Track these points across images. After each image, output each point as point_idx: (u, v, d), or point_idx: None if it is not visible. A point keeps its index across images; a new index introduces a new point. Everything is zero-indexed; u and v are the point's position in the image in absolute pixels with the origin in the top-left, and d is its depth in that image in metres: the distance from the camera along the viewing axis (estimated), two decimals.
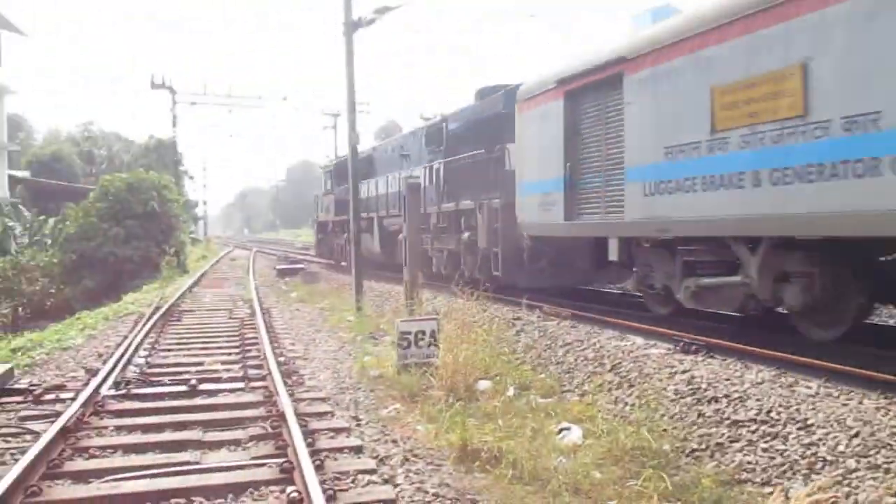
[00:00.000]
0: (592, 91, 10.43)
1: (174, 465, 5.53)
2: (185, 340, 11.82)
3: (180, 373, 9.06)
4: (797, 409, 5.94)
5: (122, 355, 9.66)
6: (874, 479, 4.80)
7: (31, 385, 8.34)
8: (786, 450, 5.50)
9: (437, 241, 16.60)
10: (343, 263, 24.52)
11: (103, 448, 6.01)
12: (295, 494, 4.79)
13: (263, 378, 8.54)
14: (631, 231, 9.77)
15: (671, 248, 9.44)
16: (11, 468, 5.09)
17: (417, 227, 13.04)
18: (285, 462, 5.41)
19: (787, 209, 7.14)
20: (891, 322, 10.39)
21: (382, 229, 21.03)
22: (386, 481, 5.26)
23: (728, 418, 6.22)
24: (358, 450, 5.97)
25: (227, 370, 9.24)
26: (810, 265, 7.69)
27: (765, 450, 5.62)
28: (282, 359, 9.76)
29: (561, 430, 6.68)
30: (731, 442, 5.91)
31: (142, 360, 9.87)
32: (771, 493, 4.99)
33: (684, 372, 7.39)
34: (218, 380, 8.65)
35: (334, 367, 9.79)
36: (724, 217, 7.95)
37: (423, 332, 9.03)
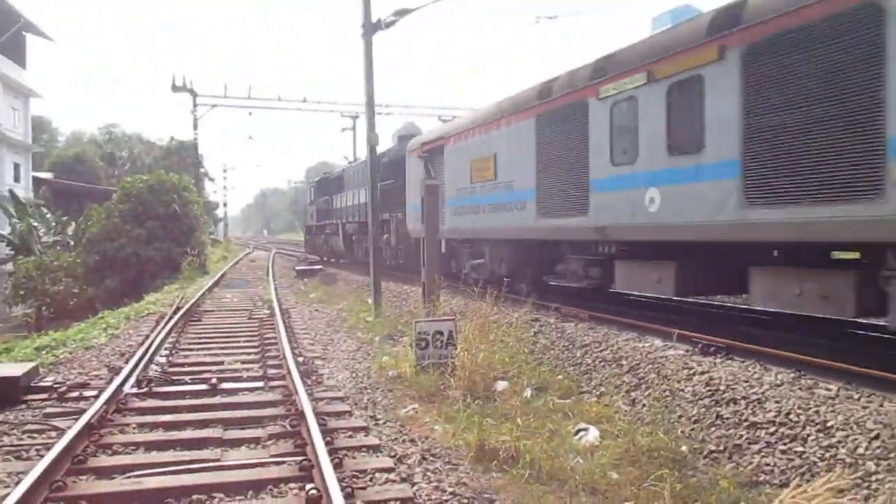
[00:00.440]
0: (433, 152, 17.27)
1: (195, 462, 5.62)
2: (205, 340, 11.95)
3: (201, 372, 9.18)
4: (816, 412, 5.91)
5: (144, 354, 9.79)
6: (893, 481, 4.77)
7: (56, 383, 8.49)
8: (805, 452, 5.48)
9: (377, 240, 21.72)
10: (324, 258, 32.94)
11: (126, 445, 6.12)
12: (314, 492, 4.84)
13: (283, 377, 8.62)
14: (448, 235, 16.37)
15: (463, 245, 16.47)
16: (37, 464, 5.20)
17: (436, 228, 13.08)
18: (304, 460, 5.48)
19: (495, 225, 14.07)
20: None
21: (345, 232, 28.31)
22: (404, 480, 5.31)
23: (746, 420, 6.21)
24: (376, 448, 6.02)
25: (247, 369, 9.34)
26: (509, 253, 14.37)
27: (783, 452, 5.60)
28: (301, 358, 9.85)
29: (578, 431, 6.69)
30: (750, 444, 5.90)
31: (163, 359, 10.00)
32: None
33: (703, 373, 7.37)
34: (238, 379, 8.76)
35: (353, 367, 9.86)
36: (476, 228, 15.00)
37: (441, 333, 9.07)
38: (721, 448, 6.01)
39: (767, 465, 5.52)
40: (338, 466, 5.30)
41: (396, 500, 4.87)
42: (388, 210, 21.67)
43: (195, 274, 27.52)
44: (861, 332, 9.21)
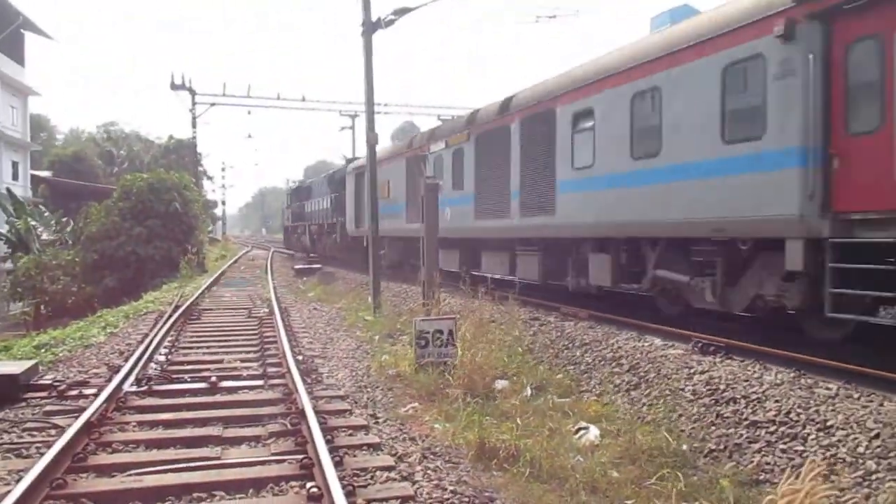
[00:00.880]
0: (360, 174, 22.22)
1: (195, 460, 5.61)
2: (204, 338, 11.95)
3: (200, 370, 9.18)
4: (817, 411, 5.92)
5: (144, 353, 9.79)
6: (894, 480, 4.78)
7: (55, 381, 8.48)
8: (805, 451, 5.48)
9: (326, 237, 32.01)
10: (296, 252, 38.43)
11: (126, 443, 6.12)
12: (315, 490, 4.84)
13: (282, 376, 8.61)
14: (369, 233, 18.63)
15: (390, 240, 21.51)
16: (38, 461, 5.20)
17: (436, 227, 13.09)
18: (305, 458, 5.47)
19: (390, 227, 19.51)
20: None
21: (310, 231, 36.65)
22: (404, 478, 5.31)
23: (746, 419, 6.22)
24: (376, 447, 6.02)
25: (247, 368, 9.34)
26: (396, 245, 21.38)
27: (784, 451, 5.61)
28: (300, 357, 9.85)
29: (578, 430, 6.70)
30: (750, 443, 5.91)
31: (162, 358, 9.99)
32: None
33: (703, 373, 7.38)
34: (238, 377, 8.75)
35: (352, 366, 9.86)
36: (382, 229, 17.27)
37: (441, 332, 9.07)
38: (721, 447, 6.02)
39: (768, 464, 5.53)
40: (338, 465, 5.29)
41: (397, 498, 4.87)
42: (339, 215, 28.88)
43: (194, 272, 27.50)
44: (861, 332, 9.22)
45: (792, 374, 6.87)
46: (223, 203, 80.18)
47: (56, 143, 70.72)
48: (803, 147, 7.39)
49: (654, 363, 8.08)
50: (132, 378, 8.41)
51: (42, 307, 28.08)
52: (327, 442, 5.71)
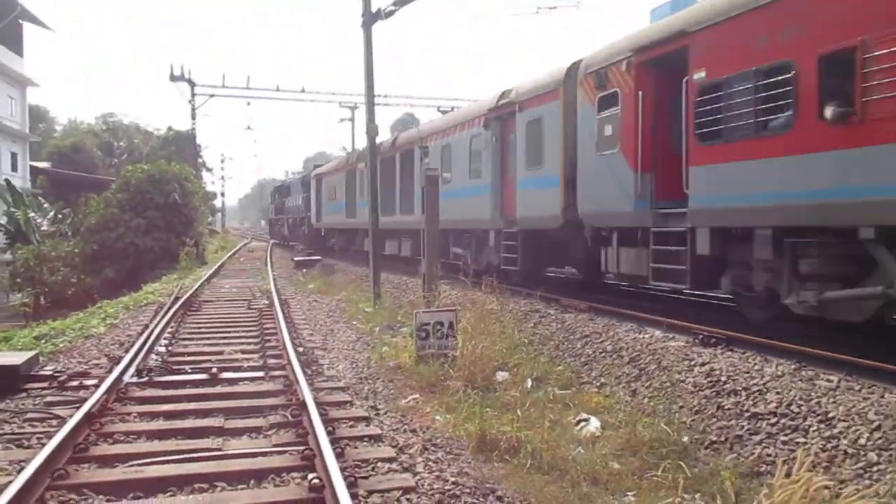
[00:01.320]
0: (321, 179, 31.73)
1: (196, 451, 5.61)
2: (204, 330, 11.94)
3: (201, 361, 9.17)
4: (818, 403, 5.93)
5: (144, 344, 9.78)
6: (895, 472, 4.78)
7: (56, 372, 8.48)
8: (806, 443, 5.48)
9: (298, 228, 39.09)
10: (279, 241, 47.60)
11: (127, 434, 6.12)
12: (316, 481, 4.84)
13: (283, 367, 8.61)
14: (324, 225, 31.30)
15: (329, 231, 31.12)
16: (39, 452, 5.20)
17: (436, 219, 13.06)
18: (306, 450, 5.47)
19: (336, 221, 29.02)
20: None
21: (288, 224, 43.86)
22: (406, 469, 5.31)
23: (747, 411, 6.22)
24: (377, 438, 6.03)
25: (247, 359, 9.34)
26: (341, 234, 29.80)
27: (784, 442, 5.62)
28: (300, 349, 9.84)
29: (579, 421, 6.71)
30: (751, 435, 5.91)
31: (163, 349, 9.99)
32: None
33: (703, 364, 7.38)
34: (238, 368, 8.74)
35: (353, 358, 9.86)
36: (332, 222, 29.77)
37: (442, 324, 9.07)
38: (722, 439, 6.03)
39: (769, 455, 5.53)
40: (340, 456, 5.30)
41: (399, 489, 4.87)
42: (307, 210, 36.13)
43: (193, 264, 27.48)
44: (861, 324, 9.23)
45: (793, 366, 6.88)
46: (222, 195, 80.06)
47: (55, 135, 70.55)
48: (493, 183, 14.64)
49: (655, 355, 8.08)
50: (133, 369, 8.40)
51: (41, 298, 28.06)
52: (328, 433, 5.70)
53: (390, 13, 15.30)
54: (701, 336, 8.29)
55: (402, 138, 21.26)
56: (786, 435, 5.70)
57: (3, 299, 32.25)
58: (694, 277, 9.10)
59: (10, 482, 4.62)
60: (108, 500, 4.77)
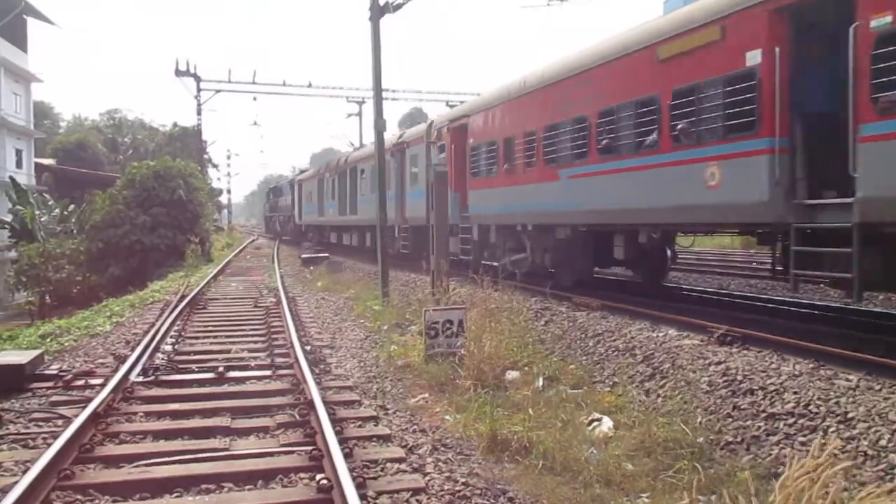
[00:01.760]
0: (301, 184, 40.38)
1: (204, 451, 5.63)
2: (211, 328, 11.98)
3: (207, 360, 9.19)
4: (837, 403, 5.88)
5: (150, 342, 9.82)
6: None
7: (61, 371, 8.53)
8: (825, 444, 5.42)
9: (287, 224, 47.20)
10: (272, 236, 56.21)
11: (133, 434, 6.13)
12: (325, 482, 4.84)
13: (290, 366, 8.62)
14: (304, 222, 39.88)
15: (308, 227, 39.27)
16: (45, 452, 5.21)
17: (445, 215, 13.06)
18: (314, 450, 5.47)
19: (312, 220, 37.38)
20: None
21: (279, 221, 52.38)
22: (415, 470, 5.30)
23: (764, 411, 6.18)
24: (386, 438, 6.02)
25: (254, 358, 9.35)
26: (315, 230, 38.54)
27: (803, 443, 5.56)
28: (308, 347, 9.86)
29: (592, 421, 6.68)
30: (768, 435, 5.87)
31: (169, 348, 10.02)
32: None
33: (719, 363, 7.33)
34: (245, 367, 8.77)
35: (361, 356, 9.86)
36: (310, 220, 37.84)
37: (451, 322, 9.06)
38: (738, 439, 5.98)
39: (786, 456, 5.47)
40: (348, 456, 5.29)
41: (408, 490, 4.86)
42: (293, 209, 43.99)
43: (199, 262, 27.59)
44: (880, 321, 9.15)
45: (811, 365, 6.82)
46: (228, 191, 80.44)
47: (59, 131, 70.94)
48: (397, 193, 20.81)
49: (669, 354, 8.04)
50: (139, 368, 8.44)
51: (47, 296, 28.27)
52: (336, 433, 5.69)
53: (398, 6, 15.27)
54: (716, 334, 8.24)
55: (352, 157, 28.84)
56: (804, 436, 5.65)
57: (9, 298, 32.49)
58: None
59: (16, 483, 4.64)
60: (114, 501, 4.78)
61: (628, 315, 10.19)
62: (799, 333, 7.95)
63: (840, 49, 7.22)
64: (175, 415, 6.75)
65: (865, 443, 5.24)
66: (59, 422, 6.47)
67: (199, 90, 40.75)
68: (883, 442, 5.17)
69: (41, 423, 6.53)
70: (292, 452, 5.59)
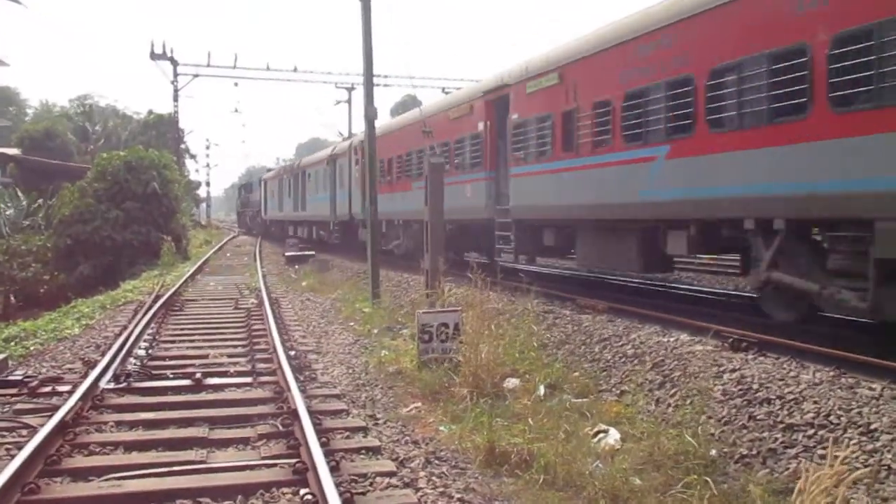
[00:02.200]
0: (266, 182, 48.34)
1: (179, 463, 5.62)
2: (188, 331, 11.97)
3: (184, 366, 9.20)
4: (859, 413, 5.89)
5: (122, 346, 9.81)
6: None
7: (27, 377, 8.51)
8: (847, 457, 5.44)
9: (255, 219, 55.09)
10: (244, 230, 62.36)
11: (103, 444, 6.13)
12: (309, 497, 4.85)
13: (273, 372, 8.63)
14: (272, 217, 46.63)
15: (274, 221, 46.68)
16: (8, 464, 5.20)
17: (440, 210, 13.05)
18: (298, 462, 5.48)
19: (276, 216, 44.54)
20: None
21: (249, 216, 59.85)
22: (407, 485, 5.31)
23: (782, 422, 6.19)
24: (376, 451, 6.03)
25: (234, 363, 9.35)
26: (278, 225, 46.85)
27: (823, 456, 5.57)
28: (292, 352, 9.85)
29: (597, 433, 6.69)
30: (786, 448, 5.88)
31: (142, 352, 10.00)
32: None
33: (733, 371, 7.35)
34: (224, 374, 8.77)
35: (349, 362, 9.87)
36: (276, 215, 44.43)
37: (446, 325, 9.08)
38: (754, 452, 6.00)
39: (805, 471, 5.49)
40: (335, 470, 5.29)
41: None
42: (259, 205, 51.28)
43: (176, 260, 27.53)
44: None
45: (831, 373, 6.84)
46: (207, 184, 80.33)
47: (26, 119, 70.75)
48: (331, 195, 28.60)
49: (681, 360, 8.06)
50: (109, 374, 8.42)
51: (11, 297, 28.14)
52: (322, 445, 5.70)
53: None
54: (731, 339, 8.26)
55: (303, 162, 36.76)
56: (823, 448, 5.66)
57: None
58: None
59: None
60: None
61: (637, 318, 10.21)
62: (819, 339, 7.97)
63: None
64: (148, 424, 6.74)
65: (889, 455, 5.26)
66: (24, 431, 6.46)
67: (175, 75, 40.75)
68: None
69: (4, 433, 6.51)
70: (275, 465, 5.59)
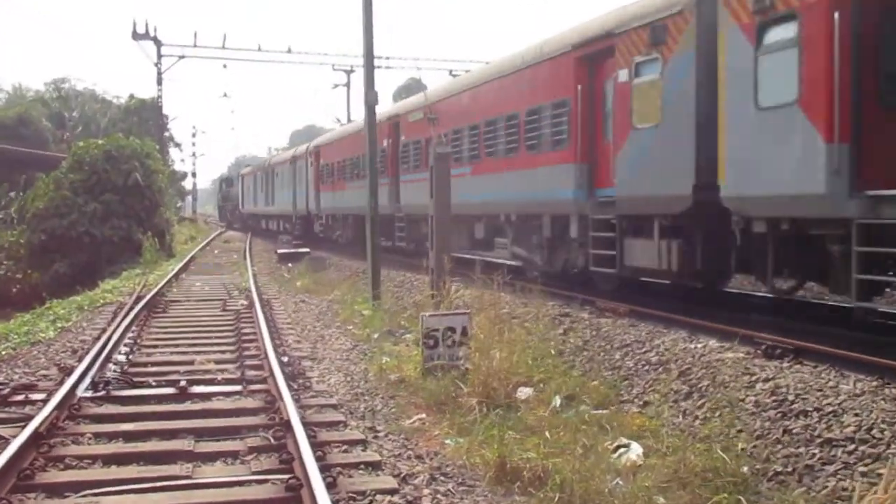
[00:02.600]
0: (244, 178, 57.88)
1: (162, 479, 5.63)
2: (172, 336, 12.02)
3: (167, 373, 9.22)
4: None
5: (101, 351, 9.83)
6: None
7: None
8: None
9: (235, 212, 64.27)
10: (225, 223, 68.74)
11: (80, 458, 6.15)
12: None
13: (264, 380, 8.65)
14: (249, 210, 55.33)
15: (250, 215, 55.74)
16: None
17: (447, 204, 13.08)
18: (291, 478, 5.49)
19: (251, 210, 54.53)
20: None
21: (230, 209, 67.66)
22: (410, 503, 5.31)
23: (819, 436, 6.17)
24: (376, 466, 6.04)
25: (222, 370, 9.39)
26: (252, 217, 56.26)
27: (864, 474, 5.57)
28: (285, 358, 9.88)
29: (618, 447, 6.68)
30: (824, 464, 5.87)
31: (123, 358, 10.05)
32: None
33: (767, 380, 7.34)
34: (211, 381, 8.79)
35: (347, 370, 9.89)
36: (251, 209, 54.02)
37: (453, 329, 9.06)
38: (789, 469, 5.98)
39: (844, 489, 5.49)
40: (331, 486, 5.30)
41: None
42: (239, 199, 58.72)
43: (159, 257, 27.60)
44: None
45: (874, 383, 6.82)
46: (193, 175, 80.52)
47: None
48: (293, 191, 37.15)
49: (709, 368, 8.04)
50: (87, 381, 8.46)
51: None
52: (318, 459, 5.71)
53: None
54: (764, 346, 8.24)
55: (273, 160, 44.72)
56: (865, 465, 5.66)
57: None
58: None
59: None
60: None
61: (661, 322, 10.20)
62: (861, 345, 7.94)
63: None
64: (129, 436, 6.77)
65: None
66: None
67: (159, 56, 40.89)
68: None
69: None
70: (266, 482, 5.61)
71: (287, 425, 6.59)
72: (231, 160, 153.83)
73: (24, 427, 6.49)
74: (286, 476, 5.57)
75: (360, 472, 5.91)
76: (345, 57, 43.82)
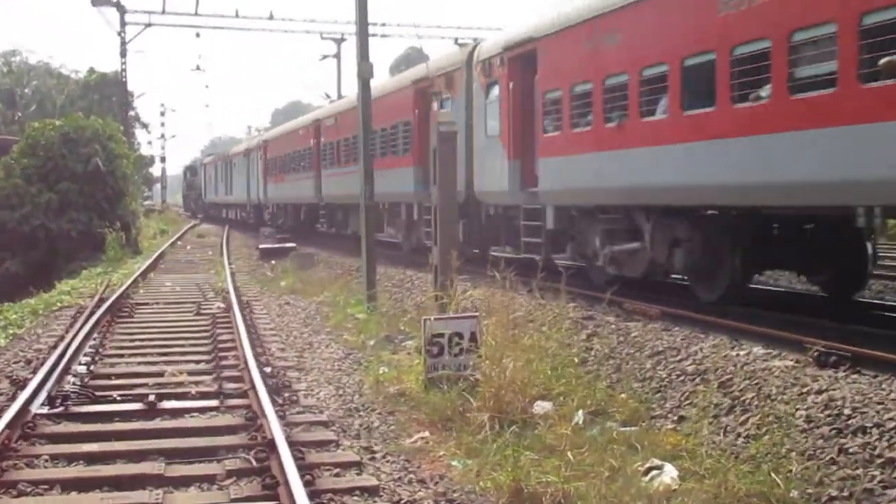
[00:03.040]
0: (206, 167, 70.25)
1: None
2: (139, 344, 12.07)
3: (134, 386, 9.25)
4: None
5: (58, 362, 9.86)
6: None
7: None
8: None
9: (200, 201, 74.51)
10: (189, 212, 79.44)
11: (36, 483, 6.16)
12: None
13: (244, 394, 8.68)
14: (212, 200, 65.98)
15: (213, 204, 68.24)
16: None
17: (453, 191, 13.07)
18: None
19: (218, 199, 64.02)
20: None
21: (193, 198, 79.91)
22: None
23: (880, 456, 6.16)
24: (373, 492, 6.05)
25: (196, 383, 9.40)
26: (229, 208, 62.68)
27: None
28: (268, 369, 9.90)
29: (649, 469, 6.67)
30: (885, 488, 5.85)
31: (83, 369, 10.09)
32: None
33: (820, 392, 7.32)
34: (184, 396, 8.83)
35: (339, 381, 9.89)
36: (214, 199, 65.33)
37: (460, 335, 9.06)
38: (845, 493, 5.97)
39: None
40: None
41: None
42: (202, 188, 70.98)
43: (124, 254, 27.64)
44: None
45: None
46: (163, 160, 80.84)
47: None
48: (247, 181, 47.27)
49: (754, 379, 8.03)
50: (43, 396, 8.48)
51: None
52: (306, 484, 5.72)
53: None
54: (816, 353, 8.22)
55: (231, 151, 52.95)
56: None
57: None
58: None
59: None
60: None
61: (698, 326, 10.20)
62: None
63: None
64: (91, 458, 6.79)
65: None
66: None
67: (123, 24, 40.94)
68: None
69: None
70: None
71: (271, 445, 6.60)
72: (206, 142, 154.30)
73: None
74: (270, 503, 5.57)
75: (355, 498, 5.92)
76: (335, 24, 43.89)
